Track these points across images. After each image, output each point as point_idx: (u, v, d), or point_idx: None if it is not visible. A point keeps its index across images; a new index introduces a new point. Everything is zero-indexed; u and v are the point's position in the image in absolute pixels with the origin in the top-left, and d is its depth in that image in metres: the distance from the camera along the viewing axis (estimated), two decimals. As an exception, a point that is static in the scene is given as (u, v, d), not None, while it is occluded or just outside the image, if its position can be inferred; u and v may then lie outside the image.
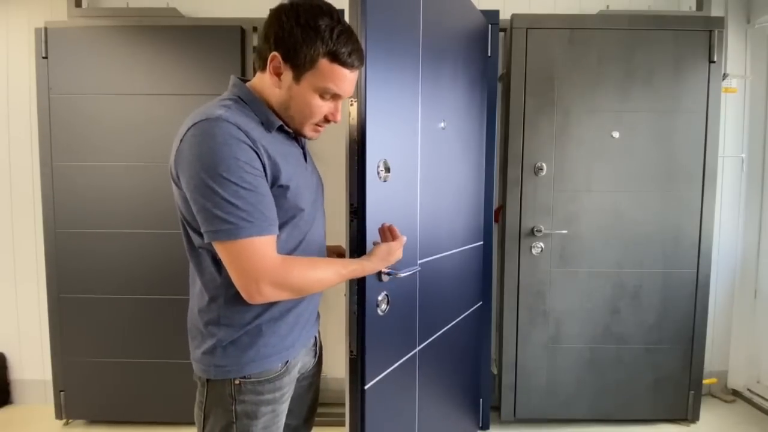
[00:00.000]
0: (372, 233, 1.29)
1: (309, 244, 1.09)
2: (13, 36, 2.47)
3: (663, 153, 2.26)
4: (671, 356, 2.33)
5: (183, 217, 1.01)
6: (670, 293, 2.31)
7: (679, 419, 2.40)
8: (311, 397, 1.26)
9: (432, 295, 1.66)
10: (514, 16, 2.25)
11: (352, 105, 1.29)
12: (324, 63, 0.98)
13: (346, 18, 1.26)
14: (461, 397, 2.07)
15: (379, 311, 1.35)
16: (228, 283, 0.99)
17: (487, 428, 2.35)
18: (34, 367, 2.59)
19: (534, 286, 2.31)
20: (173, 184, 0.99)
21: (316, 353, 1.23)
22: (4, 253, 2.55)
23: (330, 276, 1.05)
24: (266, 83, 1.02)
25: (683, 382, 2.35)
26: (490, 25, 2.14)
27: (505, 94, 2.35)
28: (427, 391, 1.69)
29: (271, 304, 1.03)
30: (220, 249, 0.93)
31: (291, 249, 1.05)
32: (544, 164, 2.26)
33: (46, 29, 2.20)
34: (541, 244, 2.29)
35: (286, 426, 1.15)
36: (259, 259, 0.92)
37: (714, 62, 2.22)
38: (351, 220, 1.31)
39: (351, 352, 1.33)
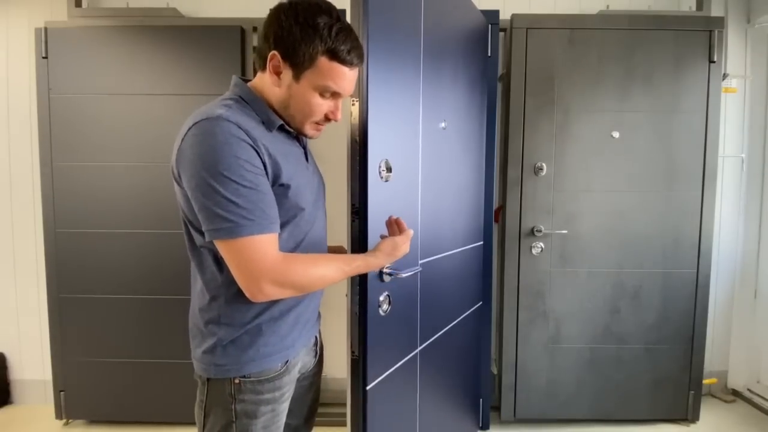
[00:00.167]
0: (374, 233, 1.29)
1: (309, 243, 1.09)
2: (13, 36, 2.47)
3: (663, 153, 2.27)
4: (671, 356, 2.33)
5: (185, 216, 1.01)
6: (670, 293, 2.31)
7: (679, 419, 2.40)
8: (312, 397, 1.26)
9: (433, 295, 1.66)
10: (514, 16, 2.25)
11: (353, 105, 1.29)
12: (323, 61, 0.98)
13: (348, 18, 1.26)
14: (461, 397, 2.07)
15: (380, 311, 1.35)
16: (229, 283, 0.99)
17: (487, 428, 2.35)
18: (34, 367, 2.59)
19: (534, 286, 2.31)
20: (175, 183, 0.99)
21: (316, 353, 1.23)
22: (4, 253, 2.55)
23: (333, 273, 1.04)
24: (266, 82, 1.02)
25: (683, 382, 2.35)
26: (490, 25, 2.14)
27: (505, 94, 2.35)
28: (427, 391, 1.69)
29: (272, 304, 1.03)
30: (221, 247, 0.93)
31: (291, 249, 1.05)
32: (544, 164, 2.26)
33: (46, 29, 2.20)
34: (541, 244, 2.29)
35: (287, 426, 1.15)
36: (260, 257, 0.92)
37: (714, 62, 2.23)
38: (353, 220, 1.31)
39: (353, 352, 1.33)
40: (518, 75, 2.25)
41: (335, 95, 1.04)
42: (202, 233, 0.97)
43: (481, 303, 2.18)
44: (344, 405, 1.38)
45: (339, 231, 1.38)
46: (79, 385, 2.32)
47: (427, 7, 1.54)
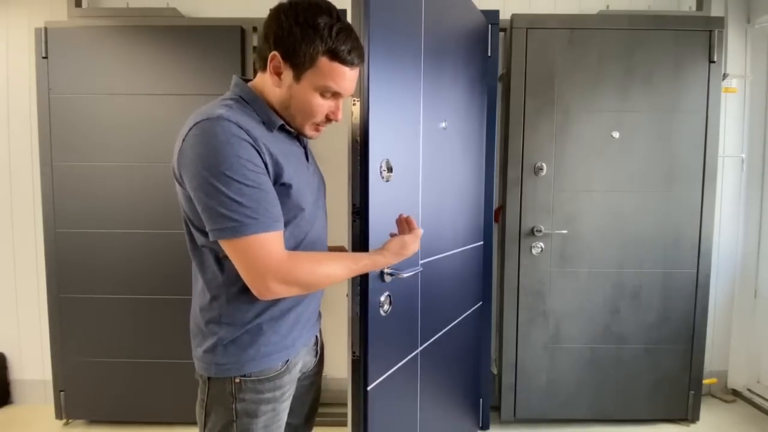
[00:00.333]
0: (375, 233, 1.29)
1: (310, 243, 1.09)
2: (13, 36, 2.47)
3: (663, 153, 2.27)
4: (671, 356, 2.34)
5: (186, 215, 1.01)
6: (670, 293, 2.31)
7: (679, 419, 2.40)
8: (312, 397, 1.26)
9: (433, 295, 1.66)
10: (514, 16, 2.25)
11: (354, 104, 1.29)
12: (324, 61, 0.98)
13: (349, 18, 1.26)
14: (461, 397, 2.07)
15: (381, 312, 1.35)
16: (230, 282, 1.00)
17: (487, 428, 2.35)
18: (34, 367, 2.59)
19: (534, 286, 2.31)
20: (176, 183, 0.99)
21: (317, 353, 1.23)
22: (4, 253, 2.55)
23: (340, 271, 1.04)
24: (267, 83, 1.02)
25: (683, 382, 2.35)
26: (490, 25, 2.14)
27: (505, 94, 2.36)
28: (428, 391, 1.70)
29: (272, 304, 1.03)
30: (226, 247, 0.93)
31: (291, 248, 1.05)
32: (544, 164, 2.26)
33: (46, 29, 2.19)
34: (541, 244, 2.29)
35: (287, 425, 1.15)
36: (266, 256, 0.92)
37: (714, 62, 2.23)
38: (353, 221, 1.31)
39: (354, 353, 1.33)
40: (518, 75, 2.25)
41: (336, 95, 1.04)
42: (203, 233, 0.97)
43: (481, 303, 2.18)
44: (345, 405, 1.38)
45: (339, 231, 1.38)
46: (79, 385, 2.32)
47: (427, 7, 1.54)
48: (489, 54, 2.17)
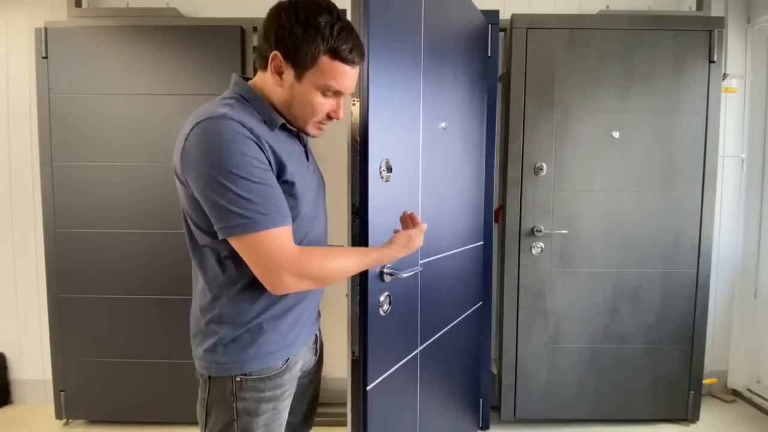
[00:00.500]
0: (374, 233, 1.29)
1: (309, 243, 1.09)
2: (13, 36, 2.47)
3: (663, 153, 2.27)
4: (671, 356, 2.34)
5: (187, 215, 1.01)
6: (670, 293, 2.31)
7: (679, 419, 2.40)
8: (311, 395, 1.26)
9: (433, 295, 1.66)
10: (514, 16, 2.25)
11: (354, 104, 1.29)
12: (325, 60, 0.98)
13: (349, 17, 1.26)
14: (461, 397, 2.07)
15: (381, 312, 1.35)
16: (231, 282, 1.00)
17: (487, 428, 2.35)
18: (34, 367, 2.59)
19: (534, 286, 2.31)
20: (178, 183, 0.99)
21: (317, 351, 1.24)
22: (4, 253, 2.55)
23: (351, 265, 1.05)
24: (268, 82, 1.02)
25: (683, 382, 2.35)
26: (490, 25, 2.14)
27: (505, 94, 2.36)
28: (427, 391, 1.69)
29: (273, 303, 1.03)
30: (237, 244, 0.93)
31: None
32: (544, 164, 2.26)
33: (46, 29, 2.19)
34: (541, 244, 2.29)
35: (287, 423, 1.15)
36: (277, 251, 0.92)
37: (714, 62, 2.23)
38: (353, 220, 1.31)
39: (353, 353, 1.33)
40: (518, 75, 2.25)
41: (337, 94, 1.04)
42: (205, 232, 0.97)
43: (481, 303, 2.18)
44: (344, 405, 1.38)
45: (339, 231, 1.38)
46: (79, 385, 2.32)
47: (427, 7, 1.54)
48: (489, 54, 2.17)
